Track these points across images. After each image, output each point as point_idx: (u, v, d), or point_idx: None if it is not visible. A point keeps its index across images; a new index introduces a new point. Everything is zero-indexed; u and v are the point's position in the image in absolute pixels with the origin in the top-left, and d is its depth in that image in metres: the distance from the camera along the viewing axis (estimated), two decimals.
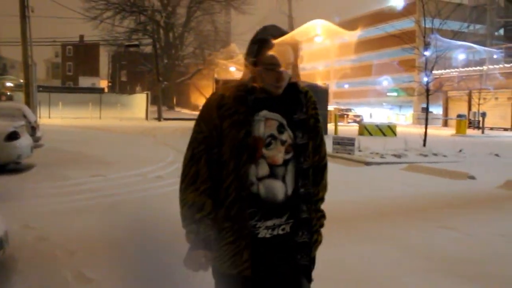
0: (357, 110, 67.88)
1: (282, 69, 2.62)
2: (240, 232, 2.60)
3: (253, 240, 2.61)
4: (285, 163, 2.68)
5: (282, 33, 2.67)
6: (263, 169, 2.62)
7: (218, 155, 2.66)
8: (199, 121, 2.74)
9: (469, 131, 40.30)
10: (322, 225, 2.86)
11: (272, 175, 2.65)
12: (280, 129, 2.68)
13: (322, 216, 2.87)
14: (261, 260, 2.66)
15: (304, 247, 2.72)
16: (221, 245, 2.64)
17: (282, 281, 2.71)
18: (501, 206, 10.05)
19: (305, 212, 2.72)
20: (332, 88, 68.10)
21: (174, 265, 5.41)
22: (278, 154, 2.66)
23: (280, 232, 2.67)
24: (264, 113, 2.66)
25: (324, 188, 2.91)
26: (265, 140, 2.62)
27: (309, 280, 2.76)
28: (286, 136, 2.69)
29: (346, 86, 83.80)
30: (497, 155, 19.23)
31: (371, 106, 77.12)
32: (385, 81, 63.75)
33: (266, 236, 2.65)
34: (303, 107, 2.78)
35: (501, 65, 48.76)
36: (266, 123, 2.65)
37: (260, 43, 2.68)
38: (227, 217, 2.62)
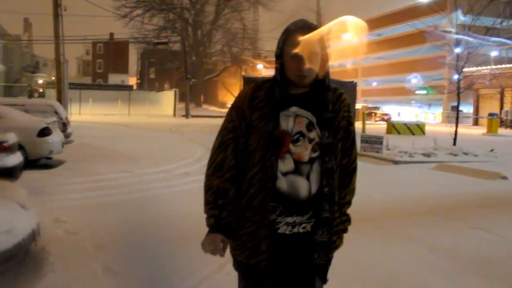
0: (385, 108, 67.50)
1: (306, 58, 2.62)
2: (260, 223, 2.63)
3: (272, 234, 2.64)
4: (311, 161, 2.70)
5: (309, 25, 2.69)
6: (289, 165, 2.65)
7: (245, 145, 2.70)
8: (231, 110, 2.79)
9: (501, 130, 39.83)
10: (345, 230, 2.85)
11: (297, 171, 2.67)
12: (310, 127, 2.69)
13: (347, 220, 2.86)
14: (279, 255, 2.69)
15: (322, 247, 2.73)
16: (240, 234, 2.68)
17: (297, 279, 2.75)
18: None
19: (326, 212, 2.72)
20: (360, 86, 67.60)
21: (198, 260, 5.48)
22: (305, 151, 2.68)
23: (301, 230, 2.69)
24: (295, 109, 2.68)
25: (352, 192, 2.91)
26: (293, 136, 2.64)
27: (324, 280, 2.78)
28: (314, 134, 2.70)
29: (374, 84, 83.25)
30: None
31: (399, 104, 76.63)
32: (414, 79, 63.24)
33: (286, 232, 2.67)
34: (330, 105, 2.76)
35: None
36: (296, 120, 2.67)
37: (286, 33, 2.72)
38: (249, 207, 2.66)
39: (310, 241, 2.71)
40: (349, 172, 2.86)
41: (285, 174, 2.65)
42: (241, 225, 2.69)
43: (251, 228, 2.65)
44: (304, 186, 2.67)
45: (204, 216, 2.68)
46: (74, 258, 5.81)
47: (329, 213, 2.72)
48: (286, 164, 2.65)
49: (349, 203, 2.88)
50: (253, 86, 2.79)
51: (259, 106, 2.69)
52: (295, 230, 2.68)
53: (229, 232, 2.66)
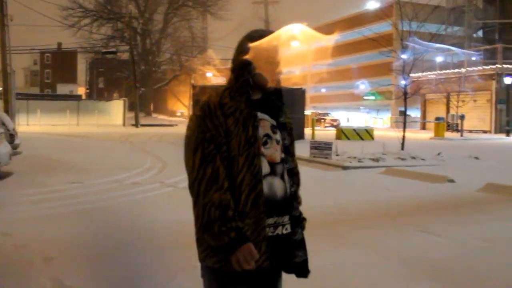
0: (334, 114, 68.16)
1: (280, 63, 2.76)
2: (257, 226, 2.63)
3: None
4: (282, 161, 2.80)
5: (272, 33, 2.78)
6: (265, 167, 2.71)
7: (227, 152, 2.66)
8: (203, 120, 2.70)
9: (448, 134, 40.62)
10: (304, 228, 2.92)
11: (273, 172, 2.75)
12: (273, 129, 2.81)
13: (304, 218, 2.96)
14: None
15: (302, 244, 2.82)
16: None
17: (266, 279, 2.79)
18: (481, 209, 10.10)
19: (297, 210, 2.85)
20: (309, 93, 68.20)
21: (150, 269, 5.44)
22: (275, 152, 2.78)
23: (284, 231, 2.76)
24: (259, 114, 2.76)
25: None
26: (261, 138, 2.72)
27: (306, 274, 2.82)
28: (278, 136, 2.82)
29: (323, 90, 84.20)
30: (476, 158, 19.29)
31: (348, 110, 77.56)
32: (362, 85, 64.12)
33: (268, 234, 2.69)
34: (284, 111, 2.92)
35: (479, 67, 49.25)
36: (260, 124, 2.75)
37: (261, 38, 2.75)
38: (243, 213, 2.61)
39: (291, 241, 2.78)
40: (297, 173, 2.98)
41: (263, 176, 2.69)
42: None
43: (248, 233, 2.59)
44: (280, 187, 2.76)
45: (203, 225, 2.55)
46: (22, 273, 5.66)
47: (298, 211, 2.86)
48: (263, 167, 2.70)
49: (301, 203, 2.98)
50: (216, 93, 2.78)
51: (230, 112, 2.69)
52: (278, 231, 2.74)
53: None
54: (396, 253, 6.80)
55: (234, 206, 2.58)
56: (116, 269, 5.91)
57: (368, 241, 7.36)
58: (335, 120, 61.27)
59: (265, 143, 2.74)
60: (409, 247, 7.12)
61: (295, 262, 2.78)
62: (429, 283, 5.61)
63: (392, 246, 7.13)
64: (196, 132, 2.69)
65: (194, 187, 2.63)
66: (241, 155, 2.65)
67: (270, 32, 2.78)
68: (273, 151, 2.77)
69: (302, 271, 2.79)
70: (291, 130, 2.97)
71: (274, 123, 2.83)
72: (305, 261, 2.80)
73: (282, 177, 2.78)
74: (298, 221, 2.84)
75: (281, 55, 2.80)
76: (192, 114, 2.83)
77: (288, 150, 2.88)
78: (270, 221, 2.70)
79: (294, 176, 2.90)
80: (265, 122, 2.78)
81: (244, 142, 2.67)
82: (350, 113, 76.90)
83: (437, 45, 27.11)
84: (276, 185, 2.75)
